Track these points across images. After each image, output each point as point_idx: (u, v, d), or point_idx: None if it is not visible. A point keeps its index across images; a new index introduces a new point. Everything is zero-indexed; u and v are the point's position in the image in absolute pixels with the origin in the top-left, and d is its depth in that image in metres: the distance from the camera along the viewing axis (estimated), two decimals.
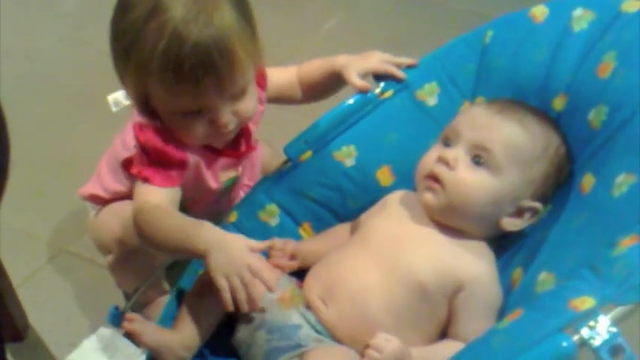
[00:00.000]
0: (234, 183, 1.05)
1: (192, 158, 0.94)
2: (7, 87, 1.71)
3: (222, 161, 0.99)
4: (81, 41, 1.87)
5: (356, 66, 1.02)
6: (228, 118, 0.89)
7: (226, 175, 1.02)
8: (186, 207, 1.01)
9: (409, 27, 1.81)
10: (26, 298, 1.15)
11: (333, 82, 1.06)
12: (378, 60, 1.03)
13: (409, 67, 1.04)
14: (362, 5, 1.94)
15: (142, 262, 1.08)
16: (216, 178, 1.00)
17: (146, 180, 0.91)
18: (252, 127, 1.01)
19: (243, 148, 1.01)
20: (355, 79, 1.02)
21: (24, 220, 1.37)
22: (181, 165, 0.92)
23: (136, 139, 0.92)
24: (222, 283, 0.83)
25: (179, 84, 0.83)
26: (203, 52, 0.81)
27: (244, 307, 0.84)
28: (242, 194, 1.12)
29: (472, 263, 0.89)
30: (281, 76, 1.07)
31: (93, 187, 1.13)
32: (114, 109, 0.97)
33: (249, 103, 0.91)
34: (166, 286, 1.19)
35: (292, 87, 1.08)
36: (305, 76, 1.08)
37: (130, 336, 0.88)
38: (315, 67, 1.07)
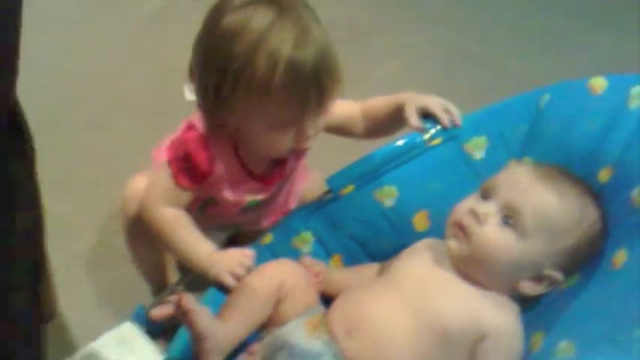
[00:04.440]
0: (258, 204, 1.09)
1: (219, 173, 1.01)
2: (66, 81, 1.76)
3: (252, 184, 1.04)
4: (145, 48, 1.93)
5: (415, 101, 1.05)
6: (311, 130, 0.98)
7: (251, 197, 1.07)
8: (206, 207, 1.08)
9: (464, 83, 1.81)
10: (59, 283, 1.18)
11: (396, 116, 1.08)
12: (437, 103, 1.05)
13: (455, 125, 1.05)
14: (421, 55, 1.95)
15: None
16: (239, 196, 1.05)
17: (173, 173, 1.01)
18: (292, 160, 1.07)
19: (275, 177, 1.06)
20: (412, 114, 1.04)
21: (68, 209, 1.41)
22: (204, 175, 1.01)
23: (182, 133, 1.02)
24: (229, 280, 0.97)
25: (290, 101, 0.92)
26: (315, 72, 0.90)
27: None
28: (272, 216, 1.16)
29: (497, 314, 0.89)
30: (344, 107, 1.09)
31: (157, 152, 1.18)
32: (188, 98, 1.03)
33: (324, 118, 0.99)
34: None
35: (353, 120, 1.11)
36: (370, 109, 1.11)
37: (181, 315, 0.87)
38: (381, 100, 1.11)
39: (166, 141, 1.14)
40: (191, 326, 0.87)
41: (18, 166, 0.78)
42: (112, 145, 1.61)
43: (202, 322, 0.87)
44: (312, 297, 0.98)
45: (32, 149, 0.82)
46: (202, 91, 0.96)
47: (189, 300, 0.87)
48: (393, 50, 1.95)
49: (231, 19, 0.91)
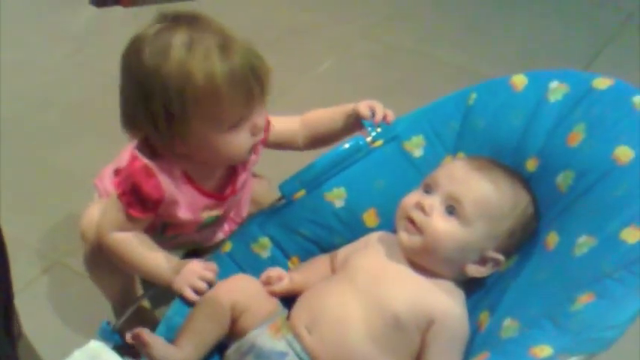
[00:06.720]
0: (215, 220, 1.13)
1: (171, 197, 1.03)
2: (8, 99, 1.76)
3: (206, 201, 1.08)
4: (82, 61, 1.95)
5: (364, 102, 1.13)
6: (260, 120, 1.01)
7: (208, 214, 1.10)
8: (165, 229, 1.11)
9: (398, 74, 1.87)
10: (20, 306, 1.20)
11: (344, 124, 1.14)
12: (380, 106, 1.13)
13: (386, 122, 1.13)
14: (356, 51, 1.99)
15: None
16: (196, 215, 1.08)
17: (124, 206, 1.03)
18: (242, 173, 1.10)
19: (227, 192, 1.10)
20: (362, 106, 1.12)
21: (20, 230, 1.41)
22: (155, 203, 1.03)
23: (127, 165, 1.03)
24: (188, 293, 1.03)
25: (238, 97, 0.96)
26: (249, 63, 0.96)
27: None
28: (226, 227, 1.20)
29: (443, 300, 0.97)
30: (285, 123, 1.15)
31: (99, 181, 1.20)
32: None
33: (264, 114, 1.04)
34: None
35: (294, 133, 1.16)
36: (313, 120, 1.16)
37: (135, 348, 0.93)
38: (326, 112, 1.16)
39: (108, 169, 1.17)
40: (149, 358, 0.93)
41: None
42: (62, 163, 1.61)
43: (159, 354, 0.93)
44: (271, 305, 1.03)
45: None
46: (152, 125, 0.97)
47: (144, 334, 0.93)
48: (328, 48, 1.99)
49: (151, 49, 0.94)
